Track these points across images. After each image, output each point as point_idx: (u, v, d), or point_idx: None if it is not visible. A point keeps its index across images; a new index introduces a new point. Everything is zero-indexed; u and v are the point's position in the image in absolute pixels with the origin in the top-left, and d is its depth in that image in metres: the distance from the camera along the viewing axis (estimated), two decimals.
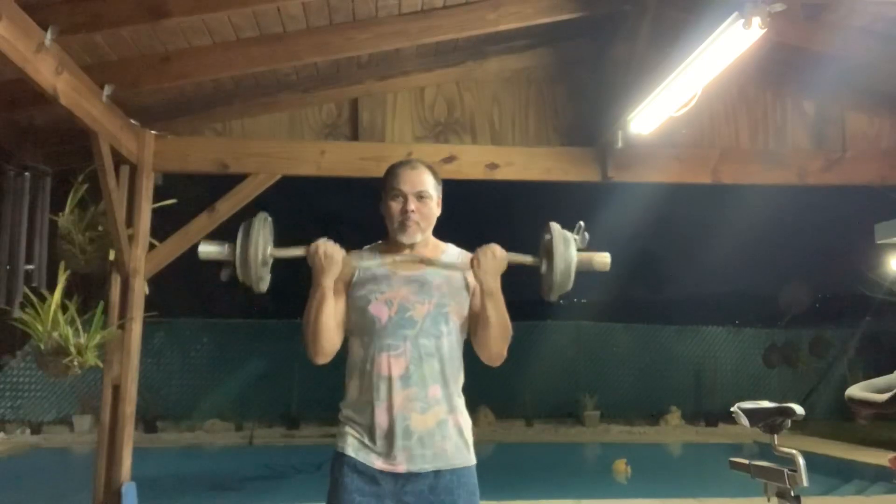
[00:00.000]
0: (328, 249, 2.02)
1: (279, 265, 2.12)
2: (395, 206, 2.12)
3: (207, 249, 2.05)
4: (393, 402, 2.00)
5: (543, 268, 2.06)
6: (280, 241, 2.14)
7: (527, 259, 2.10)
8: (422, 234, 2.13)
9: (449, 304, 2.08)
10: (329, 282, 2.04)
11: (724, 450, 9.38)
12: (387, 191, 2.14)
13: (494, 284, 2.05)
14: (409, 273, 2.10)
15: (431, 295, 2.07)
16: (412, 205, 2.10)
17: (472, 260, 2.05)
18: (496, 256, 2.04)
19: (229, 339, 12.46)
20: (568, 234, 2.06)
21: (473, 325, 2.12)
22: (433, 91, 4.54)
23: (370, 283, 2.09)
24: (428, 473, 2.00)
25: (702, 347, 13.52)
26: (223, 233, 4.68)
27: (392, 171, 2.16)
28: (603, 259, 2.11)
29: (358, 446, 2.03)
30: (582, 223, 2.09)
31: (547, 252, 2.04)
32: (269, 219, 2.10)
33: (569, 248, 2.03)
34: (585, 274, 2.12)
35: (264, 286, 2.09)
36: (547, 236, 2.07)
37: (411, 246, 2.14)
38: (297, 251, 2.06)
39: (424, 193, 2.12)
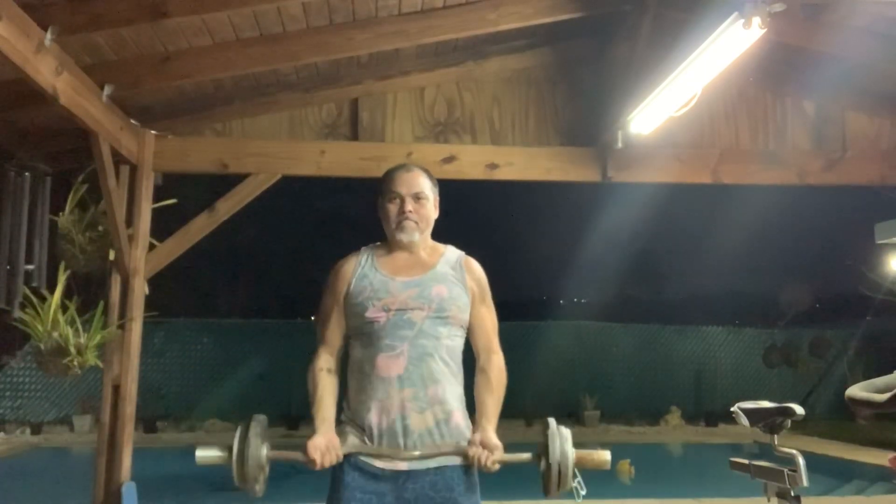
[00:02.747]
0: (326, 464, 1.97)
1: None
2: (393, 207, 2.15)
3: (204, 455, 2.02)
4: (392, 402, 2.02)
5: (542, 466, 2.00)
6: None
7: (524, 457, 2.05)
8: (419, 234, 2.15)
9: (449, 309, 2.10)
10: None
11: (724, 450, 9.38)
12: (384, 194, 2.18)
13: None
14: (407, 278, 2.11)
15: (431, 300, 2.08)
16: (409, 205, 2.13)
17: (469, 453, 1.98)
18: (495, 461, 1.97)
19: (229, 339, 12.47)
20: (565, 430, 2.01)
21: (473, 335, 2.17)
22: (433, 91, 4.53)
23: (367, 290, 2.10)
24: (429, 471, 2.02)
25: (702, 347, 13.52)
26: (223, 233, 4.68)
27: (388, 175, 2.19)
28: (602, 457, 2.03)
29: (359, 445, 2.05)
30: (580, 481, 2.01)
31: (543, 449, 1.99)
32: (265, 421, 2.04)
33: (565, 446, 1.97)
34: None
35: (261, 490, 2.02)
36: (543, 434, 2.01)
37: (410, 244, 2.15)
38: (294, 455, 2.02)
39: (421, 194, 2.15)
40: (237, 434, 1.98)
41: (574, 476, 1.98)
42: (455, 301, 2.11)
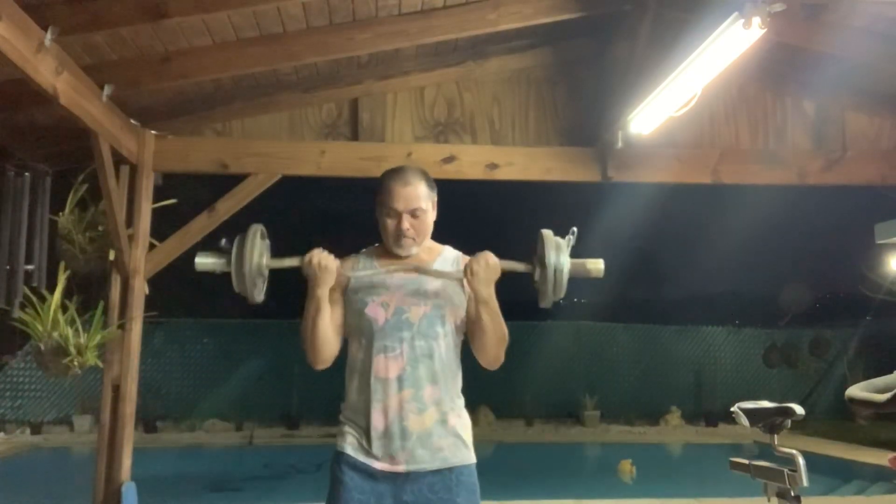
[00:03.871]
0: (323, 260, 2.03)
1: (277, 272, 2.13)
2: (390, 223, 2.12)
3: (204, 261, 2.09)
4: (390, 403, 2.02)
5: (536, 275, 2.06)
6: (280, 243, 2.15)
7: (520, 266, 2.10)
8: (417, 247, 2.15)
9: (445, 307, 2.10)
10: (324, 291, 2.05)
11: (724, 450, 9.39)
12: (381, 205, 2.14)
13: (488, 293, 2.05)
14: (405, 276, 2.11)
15: (427, 297, 2.09)
16: (406, 223, 2.10)
17: (465, 269, 2.04)
18: (489, 265, 2.03)
19: (229, 339, 12.46)
20: (560, 240, 2.05)
21: (471, 330, 2.13)
22: (433, 91, 4.54)
23: (366, 287, 2.11)
24: (427, 472, 2.02)
25: (702, 347, 13.51)
26: (224, 233, 4.68)
27: (386, 187, 2.13)
28: (596, 265, 2.11)
29: (357, 446, 2.05)
30: (574, 229, 2.07)
31: (539, 259, 2.05)
32: (264, 230, 2.12)
33: (560, 255, 2.02)
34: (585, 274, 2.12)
35: (260, 297, 2.12)
36: (539, 243, 2.07)
37: (407, 257, 2.15)
38: (291, 261, 2.08)
39: (418, 211, 2.11)
40: (236, 240, 2.05)
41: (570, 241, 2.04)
42: (451, 298, 2.11)
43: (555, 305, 2.12)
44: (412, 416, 2.01)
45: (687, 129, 4.46)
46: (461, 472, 2.05)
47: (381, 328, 2.05)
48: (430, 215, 2.18)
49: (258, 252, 2.06)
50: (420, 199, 2.12)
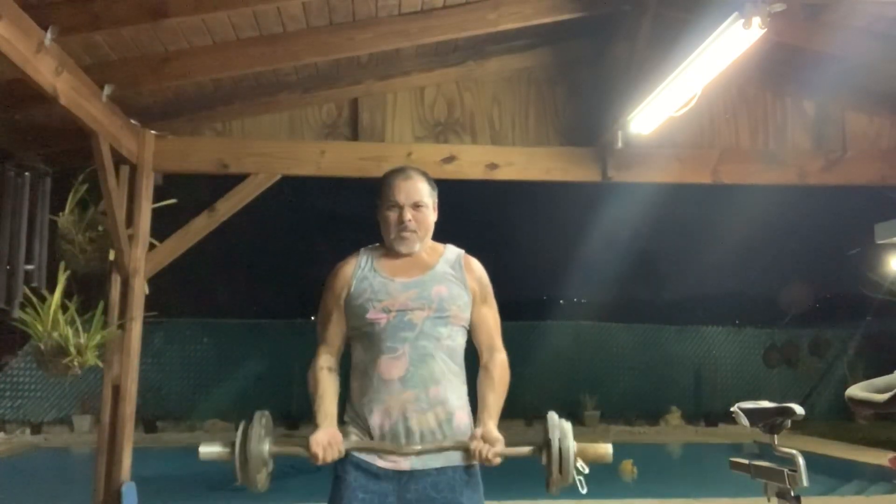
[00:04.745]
0: (328, 458, 1.96)
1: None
2: (392, 216, 2.13)
3: (208, 451, 2.04)
4: (393, 403, 2.02)
5: (543, 460, 1.98)
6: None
7: (525, 451, 2.02)
8: (420, 243, 2.15)
9: (449, 309, 2.09)
10: None
11: (724, 450, 9.38)
12: (382, 201, 2.15)
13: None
14: (407, 279, 2.11)
15: (431, 300, 2.08)
16: (408, 215, 2.11)
17: (472, 452, 1.97)
18: (496, 454, 1.95)
19: (229, 339, 12.46)
20: (566, 424, 2.00)
21: (476, 333, 2.17)
22: (433, 91, 4.53)
23: (367, 292, 2.10)
24: (430, 471, 2.02)
25: (702, 347, 13.52)
26: (223, 233, 4.68)
27: (387, 182, 2.16)
28: (603, 451, 2.03)
29: (360, 442, 2.05)
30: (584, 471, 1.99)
31: (546, 442, 1.98)
32: (269, 416, 2.04)
33: (566, 439, 1.95)
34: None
35: (264, 486, 2.03)
36: (545, 427, 1.99)
37: (410, 254, 2.15)
38: (297, 450, 2.01)
39: (420, 203, 2.13)
40: (239, 430, 1.98)
41: (578, 472, 1.96)
42: (455, 300, 2.10)
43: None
44: (416, 416, 2.01)
45: (687, 129, 4.46)
46: (465, 470, 2.05)
47: (383, 329, 2.05)
48: (432, 214, 2.19)
49: (258, 440, 1.97)
50: (421, 194, 2.14)
